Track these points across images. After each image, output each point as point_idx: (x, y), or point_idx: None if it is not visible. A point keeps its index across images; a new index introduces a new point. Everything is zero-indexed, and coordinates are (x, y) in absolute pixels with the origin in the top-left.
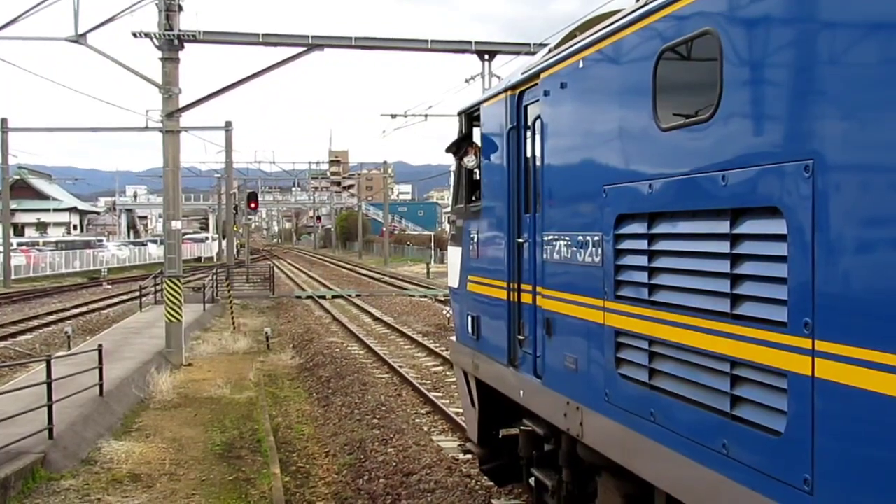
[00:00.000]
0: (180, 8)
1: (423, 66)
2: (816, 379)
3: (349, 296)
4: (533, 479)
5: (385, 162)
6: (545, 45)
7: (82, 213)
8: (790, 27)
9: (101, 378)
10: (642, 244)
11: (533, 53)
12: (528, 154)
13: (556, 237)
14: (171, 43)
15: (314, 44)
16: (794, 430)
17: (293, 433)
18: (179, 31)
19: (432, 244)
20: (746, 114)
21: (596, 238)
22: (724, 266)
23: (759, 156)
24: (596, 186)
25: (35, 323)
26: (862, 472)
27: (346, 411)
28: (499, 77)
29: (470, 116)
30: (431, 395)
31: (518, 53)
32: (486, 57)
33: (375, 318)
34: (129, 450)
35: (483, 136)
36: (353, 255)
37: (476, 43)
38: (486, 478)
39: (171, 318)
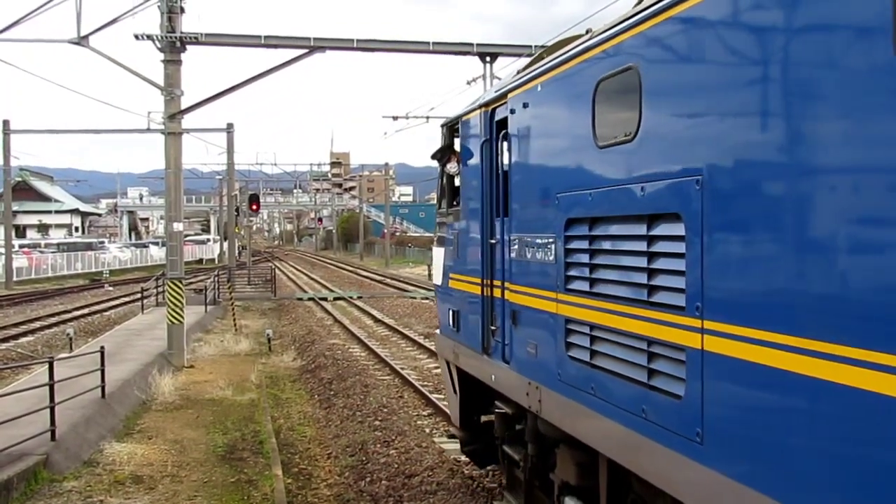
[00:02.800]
0: (182, 10)
1: (425, 68)
2: (705, 351)
3: (350, 297)
4: (506, 457)
5: (386, 164)
6: (546, 47)
7: (84, 214)
8: (686, 69)
9: (103, 380)
10: (585, 244)
11: (532, 55)
12: (499, 164)
13: (521, 238)
14: (173, 45)
15: (316, 46)
16: (690, 393)
17: (295, 435)
18: (181, 33)
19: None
20: (657, 137)
21: (551, 239)
22: (643, 262)
23: (666, 172)
24: (551, 194)
25: (37, 325)
26: (737, 423)
27: (348, 413)
28: (500, 79)
29: (451, 129)
30: (433, 397)
31: (519, 55)
32: (488, 59)
33: (377, 320)
34: (132, 451)
35: (462, 147)
36: (354, 256)
37: (478, 45)
38: (485, 478)
39: (172, 319)
